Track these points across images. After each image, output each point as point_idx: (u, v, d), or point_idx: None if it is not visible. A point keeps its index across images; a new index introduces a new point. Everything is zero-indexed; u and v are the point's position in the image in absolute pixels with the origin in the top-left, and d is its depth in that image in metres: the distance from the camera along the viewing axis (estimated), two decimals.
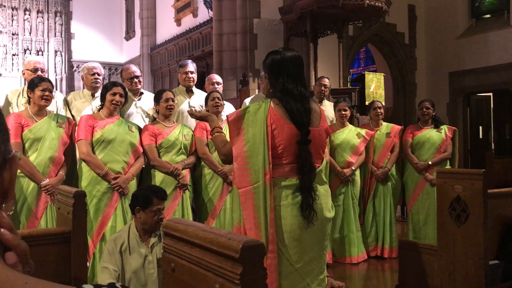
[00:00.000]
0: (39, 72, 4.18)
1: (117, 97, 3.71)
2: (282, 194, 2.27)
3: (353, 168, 4.85)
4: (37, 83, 3.56)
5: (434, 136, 5.04)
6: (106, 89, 3.77)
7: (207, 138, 4.00)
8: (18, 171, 3.39)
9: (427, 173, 4.97)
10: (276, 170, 2.27)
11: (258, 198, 2.25)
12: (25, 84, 4.07)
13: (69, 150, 3.70)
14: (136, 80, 4.37)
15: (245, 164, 2.29)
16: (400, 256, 3.15)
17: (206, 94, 4.76)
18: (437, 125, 5.11)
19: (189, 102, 4.59)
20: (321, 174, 2.40)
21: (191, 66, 4.63)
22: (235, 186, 2.36)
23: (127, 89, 4.26)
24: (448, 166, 5.02)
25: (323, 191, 2.36)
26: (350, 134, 4.96)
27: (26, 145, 3.50)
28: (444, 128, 5.12)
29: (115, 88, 3.73)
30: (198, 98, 4.63)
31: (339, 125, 5.04)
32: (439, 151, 5.02)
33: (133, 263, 2.85)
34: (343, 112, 4.96)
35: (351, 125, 5.15)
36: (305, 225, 2.25)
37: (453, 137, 5.09)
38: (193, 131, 4.12)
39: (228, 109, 4.61)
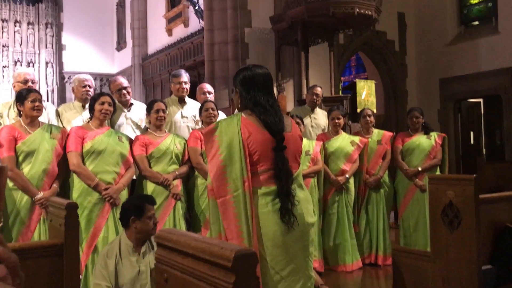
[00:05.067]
0: (30, 83, 4.16)
1: (106, 106, 3.71)
2: (261, 202, 2.27)
3: (347, 176, 4.86)
4: (25, 95, 3.53)
5: (424, 142, 5.08)
6: (94, 100, 3.78)
7: (201, 147, 4.00)
8: (12, 184, 3.37)
9: (417, 179, 5.01)
10: (253, 179, 2.27)
11: (238, 206, 2.24)
12: None
13: (63, 162, 3.68)
14: (124, 91, 4.36)
15: (222, 174, 2.29)
16: (394, 263, 3.15)
17: (198, 103, 4.76)
18: (427, 131, 5.15)
19: (181, 112, 4.58)
20: (299, 179, 2.40)
21: (185, 76, 4.63)
22: (212, 197, 2.35)
23: (116, 100, 4.26)
24: (438, 173, 5.05)
25: (303, 197, 2.36)
26: (344, 142, 4.98)
27: (20, 158, 3.48)
28: (434, 135, 5.16)
29: (102, 98, 3.75)
30: (191, 108, 4.63)
31: (333, 133, 5.06)
32: (429, 157, 5.05)
33: (127, 275, 2.84)
34: (337, 121, 4.98)
35: (344, 133, 5.17)
36: (286, 231, 2.24)
37: (442, 144, 5.13)
38: (186, 141, 4.12)
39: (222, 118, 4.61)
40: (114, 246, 2.91)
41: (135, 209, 2.89)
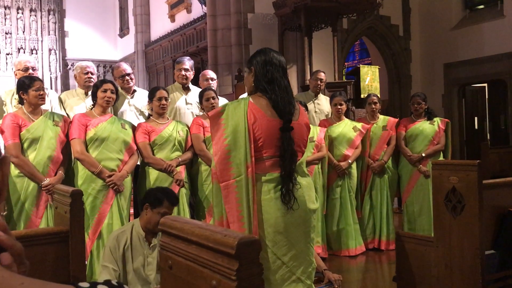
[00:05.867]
0: (30, 71, 4.17)
1: (109, 93, 3.72)
2: (264, 188, 2.30)
3: (349, 161, 4.87)
4: (29, 83, 3.53)
5: (427, 128, 5.07)
6: (96, 87, 3.78)
7: (203, 134, 4.00)
8: (17, 171, 3.40)
9: (421, 165, 5.01)
10: (257, 165, 2.30)
11: (241, 191, 2.27)
12: None
13: (66, 149, 3.70)
14: (127, 77, 4.37)
15: (226, 158, 2.32)
16: (397, 248, 3.17)
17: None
18: (430, 117, 5.14)
19: (185, 99, 4.57)
20: (302, 166, 2.42)
21: (187, 63, 4.58)
22: (215, 181, 2.39)
23: (119, 87, 4.26)
24: (441, 158, 5.05)
25: (306, 183, 2.39)
26: (346, 127, 4.98)
27: (25, 145, 3.50)
28: (437, 120, 5.15)
29: (105, 85, 3.75)
30: (195, 95, 4.61)
31: (335, 119, 5.06)
32: (432, 143, 5.05)
33: (134, 263, 2.86)
34: (339, 107, 4.98)
35: (347, 119, 5.18)
36: (288, 215, 2.27)
37: (446, 129, 5.12)
38: (188, 128, 4.12)
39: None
40: (126, 231, 2.93)
41: (154, 198, 2.92)
